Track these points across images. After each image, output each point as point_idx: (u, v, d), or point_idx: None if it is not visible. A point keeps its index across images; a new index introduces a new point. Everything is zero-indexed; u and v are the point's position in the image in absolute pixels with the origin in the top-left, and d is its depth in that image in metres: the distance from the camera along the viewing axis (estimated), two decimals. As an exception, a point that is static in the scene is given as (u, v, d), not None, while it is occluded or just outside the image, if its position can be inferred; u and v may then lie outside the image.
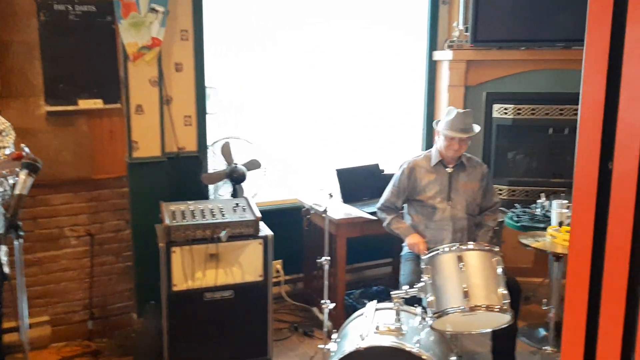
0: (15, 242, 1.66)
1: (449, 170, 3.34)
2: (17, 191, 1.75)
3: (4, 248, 1.63)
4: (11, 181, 1.88)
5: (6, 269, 1.63)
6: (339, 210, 3.74)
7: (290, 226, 4.17)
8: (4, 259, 1.63)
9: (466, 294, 2.50)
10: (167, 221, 3.19)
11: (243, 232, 3.27)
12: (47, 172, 3.45)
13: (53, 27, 3.38)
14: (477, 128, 3.29)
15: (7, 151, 2.37)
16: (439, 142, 3.32)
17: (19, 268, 1.72)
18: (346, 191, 4.05)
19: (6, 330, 3.37)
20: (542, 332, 3.74)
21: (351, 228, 3.75)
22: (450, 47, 4.43)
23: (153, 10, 3.51)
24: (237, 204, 3.42)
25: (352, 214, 3.72)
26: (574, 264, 1.06)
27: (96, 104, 3.54)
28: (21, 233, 1.66)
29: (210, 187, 3.85)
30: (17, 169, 1.88)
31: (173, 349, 3.26)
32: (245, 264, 3.31)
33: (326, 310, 3.12)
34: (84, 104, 3.51)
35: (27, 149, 1.93)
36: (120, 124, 3.61)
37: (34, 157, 1.80)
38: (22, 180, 1.77)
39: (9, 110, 3.32)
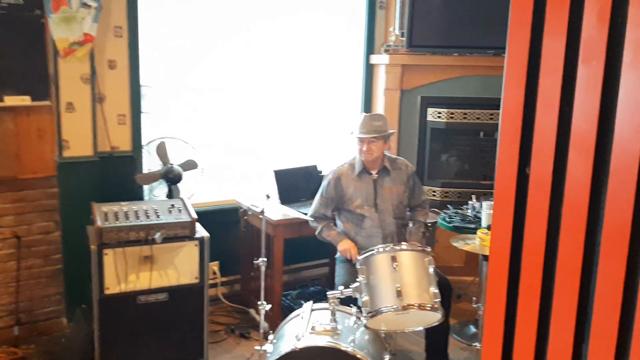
0: None
1: (373, 176, 3.39)
2: None
3: None
4: None
5: None
6: (276, 211, 3.74)
7: (227, 227, 4.14)
8: None
9: (399, 294, 2.56)
10: (99, 222, 3.11)
11: (178, 233, 3.23)
12: (-30, 171, 3.31)
13: (-23, 19, 3.22)
14: (388, 130, 3.35)
15: None
16: (356, 148, 3.39)
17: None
18: (284, 192, 4.07)
19: None
20: (473, 329, 3.88)
21: (288, 229, 3.76)
22: (386, 51, 4.52)
23: (85, 5, 3.41)
24: (172, 205, 3.36)
25: (289, 215, 3.74)
26: (494, 262, 1.12)
27: (23, 100, 3.40)
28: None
29: (145, 187, 3.77)
30: None
31: (104, 354, 3.18)
32: (181, 266, 3.26)
33: (262, 312, 3.13)
34: (10, 100, 3.36)
35: None
36: (49, 122, 3.48)
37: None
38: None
39: None
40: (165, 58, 3.98)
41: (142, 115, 3.80)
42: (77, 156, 3.52)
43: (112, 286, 3.14)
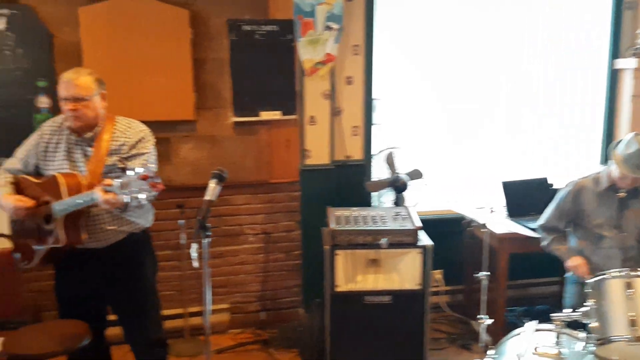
0: (204, 241, 1.96)
1: (619, 195, 3.09)
2: (206, 197, 2.05)
3: (195, 245, 1.93)
4: (142, 196, 2.19)
5: (195, 263, 1.92)
6: (502, 224, 3.68)
7: (451, 237, 4.18)
8: (194, 255, 1.92)
9: (633, 323, 2.35)
10: (332, 225, 3.41)
11: (403, 240, 3.37)
12: (231, 175, 3.87)
13: (241, 45, 3.78)
14: None
15: (149, 157, 2.68)
16: (612, 167, 3.05)
17: (205, 262, 2.02)
18: (512, 205, 3.96)
19: (193, 314, 3.87)
20: None
21: (515, 243, 3.66)
22: (635, 54, 4.10)
23: (328, 28, 3.77)
24: (398, 212, 3.53)
25: (516, 229, 3.64)
26: None
27: (275, 115, 3.89)
28: (208, 233, 1.95)
29: (374, 194, 4.01)
30: (144, 187, 2.18)
31: (334, 346, 3.46)
32: (404, 272, 3.40)
33: (483, 326, 3.11)
34: (265, 115, 3.88)
35: (151, 167, 2.21)
36: (295, 134, 3.92)
37: (221, 169, 2.10)
38: (211, 188, 2.08)
39: (203, 120, 3.80)
40: (394, 71, 4.17)
41: (373, 127, 4.05)
42: (316, 164, 3.91)
43: (342, 284, 3.42)
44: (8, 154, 2.84)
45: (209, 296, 2.05)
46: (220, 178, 2.10)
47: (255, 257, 4.06)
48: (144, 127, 2.75)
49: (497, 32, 4.24)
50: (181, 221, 3.67)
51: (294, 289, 4.15)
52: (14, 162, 2.71)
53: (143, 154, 2.66)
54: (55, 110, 3.32)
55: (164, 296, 3.85)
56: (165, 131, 3.69)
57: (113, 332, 2.91)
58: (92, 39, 3.56)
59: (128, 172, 2.25)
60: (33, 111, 3.57)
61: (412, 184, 3.84)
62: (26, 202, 2.56)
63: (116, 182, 2.25)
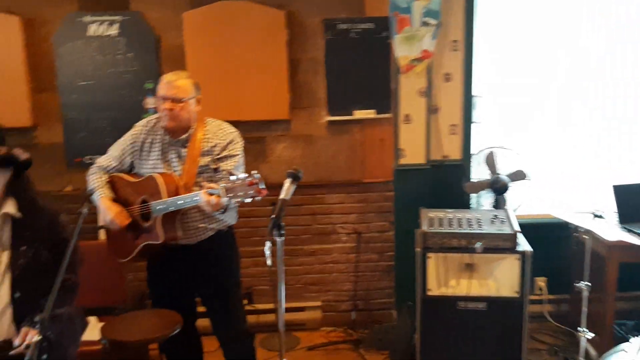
0: (278, 239, 1.97)
1: None
2: (281, 196, 2.06)
3: (268, 244, 1.94)
4: (247, 200, 2.28)
5: (269, 261, 1.94)
6: (612, 231, 3.39)
7: (557, 243, 3.93)
8: (268, 253, 1.94)
9: None
10: (424, 227, 3.31)
11: (499, 245, 3.21)
12: (324, 174, 3.93)
13: (336, 44, 3.78)
14: None
15: (238, 159, 2.74)
16: None
17: (280, 260, 2.03)
18: (625, 211, 3.64)
19: (286, 309, 3.92)
20: None
21: (626, 252, 3.35)
22: None
23: (425, 23, 3.67)
24: (496, 215, 3.36)
25: (627, 237, 3.34)
26: None
27: (369, 114, 3.86)
28: (282, 232, 1.96)
29: (473, 196, 3.85)
30: (250, 192, 2.27)
31: (425, 351, 3.37)
32: (501, 278, 3.23)
33: (583, 339, 2.88)
34: (359, 114, 3.85)
35: (256, 176, 2.26)
36: (389, 133, 3.86)
37: (296, 168, 2.10)
38: (286, 187, 2.08)
39: (297, 120, 3.85)
40: (496, 67, 3.98)
41: (473, 125, 3.89)
42: (411, 164, 3.82)
43: (434, 288, 3.31)
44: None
45: (282, 294, 2.06)
46: (295, 177, 2.10)
47: (347, 256, 4.05)
48: (233, 129, 2.82)
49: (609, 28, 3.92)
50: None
51: (386, 291, 4.10)
52: (109, 159, 2.83)
53: (234, 155, 2.74)
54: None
55: (258, 291, 3.98)
56: (260, 130, 3.78)
57: (204, 323, 3.02)
58: (194, 42, 3.72)
59: (232, 177, 2.33)
60: (141, 112, 3.79)
61: (513, 186, 3.64)
62: (123, 221, 2.67)
63: (221, 185, 2.33)
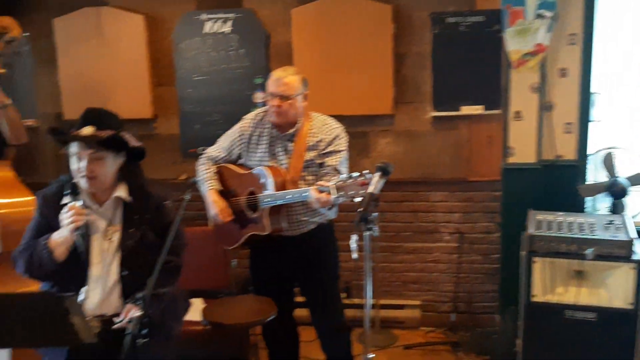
0: (365, 233, 1.96)
1: None
2: (369, 190, 2.05)
3: (355, 237, 1.94)
4: (357, 199, 2.27)
5: (354, 255, 1.94)
6: None
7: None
8: (353, 246, 1.94)
9: None
10: (530, 230, 3.15)
11: (613, 252, 2.97)
12: (428, 171, 3.86)
13: (444, 38, 3.70)
14: None
15: (343, 154, 2.75)
16: None
17: (367, 255, 2.03)
18: None
19: (383, 306, 3.92)
20: None
21: None
22: None
23: (540, 16, 3.48)
24: (611, 221, 3.12)
25: None
26: None
27: (477, 110, 3.73)
28: (370, 226, 1.95)
29: (588, 199, 3.60)
30: (361, 192, 2.25)
31: (526, 359, 3.22)
32: (614, 288, 3.00)
33: None
34: (466, 109, 3.74)
35: (368, 176, 2.24)
36: (498, 130, 3.71)
37: (386, 163, 2.08)
38: (374, 182, 2.07)
39: (401, 115, 3.82)
40: (618, 62, 3.69)
41: (591, 124, 3.63)
42: (521, 162, 3.63)
43: (539, 294, 3.14)
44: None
45: (369, 290, 2.05)
46: (384, 172, 2.08)
47: (449, 256, 3.95)
48: (338, 124, 2.85)
49: None
50: (374, 214, 3.72)
51: (490, 294, 3.95)
52: (218, 150, 2.96)
53: (339, 151, 2.77)
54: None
55: (355, 286, 3.99)
56: (363, 125, 3.79)
57: (302, 313, 3.08)
58: (301, 38, 3.80)
59: (343, 176, 2.37)
60: (251, 106, 3.94)
61: (633, 191, 3.36)
62: (226, 217, 2.79)
63: (331, 183, 2.38)
